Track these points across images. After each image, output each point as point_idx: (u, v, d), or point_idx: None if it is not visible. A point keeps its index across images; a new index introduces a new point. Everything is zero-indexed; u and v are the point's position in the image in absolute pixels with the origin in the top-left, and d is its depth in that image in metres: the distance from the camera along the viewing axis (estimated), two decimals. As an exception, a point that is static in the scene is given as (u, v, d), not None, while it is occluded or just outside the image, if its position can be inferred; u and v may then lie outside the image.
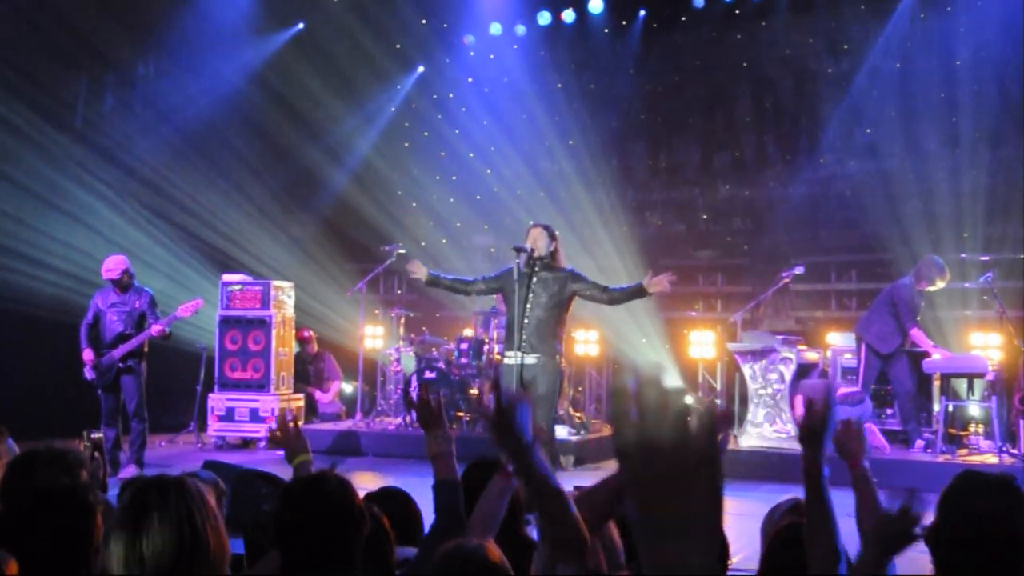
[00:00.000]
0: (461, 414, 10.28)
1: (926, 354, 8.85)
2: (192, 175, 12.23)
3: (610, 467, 3.09)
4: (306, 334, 12.02)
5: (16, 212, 10.44)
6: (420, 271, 7.19)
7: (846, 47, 12.84)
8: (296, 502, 2.51)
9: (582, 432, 10.21)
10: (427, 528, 3.20)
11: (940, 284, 9.01)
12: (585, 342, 11.73)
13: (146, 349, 8.72)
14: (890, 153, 12.42)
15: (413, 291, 14.09)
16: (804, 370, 9.66)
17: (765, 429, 9.16)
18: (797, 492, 2.91)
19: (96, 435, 5.40)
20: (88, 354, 8.39)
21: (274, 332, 10.86)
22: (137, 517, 2.30)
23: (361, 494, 3.41)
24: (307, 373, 11.99)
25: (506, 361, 6.92)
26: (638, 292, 6.92)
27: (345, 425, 10.96)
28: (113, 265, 8.48)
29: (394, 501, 3.27)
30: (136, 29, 11.41)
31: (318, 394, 11.93)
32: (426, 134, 14.61)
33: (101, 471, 3.15)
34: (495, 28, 13.89)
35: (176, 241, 11.96)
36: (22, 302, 10.04)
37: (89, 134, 11.51)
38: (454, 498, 2.97)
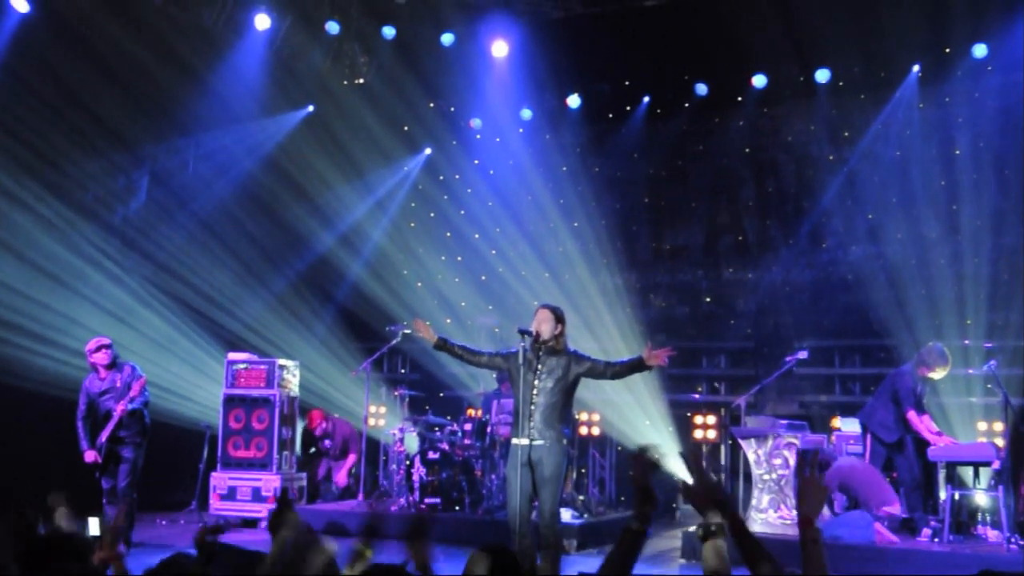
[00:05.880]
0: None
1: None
2: (202, 254, 12.36)
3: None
4: (313, 417, 11.97)
5: (29, 291, 10.54)
6: (427, 333, 7.06)
7: (847, 134, 13.05)
8: None
9: (585, 515, 10.13)
10: None
11: (941, 373, 9.03)
12: (588, 423, 11.72)
13: (147, 425, 8.71)
14: (892, 239, 12.54)
15: (417, 370, 14.11)
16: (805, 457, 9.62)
17: (770, 515, 9.09)
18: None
19: (97, 522, 5.37)
20: (90, 456, 8.42)
21: (278, 411, 10.86)
22: None
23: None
24: (324, 448, 11.95)
25: (513, 442, 6.89)
26: (638, 366, 6.88)
27: (347, 506, 10.88)
28: (95, 346, 8.55)
29: None
30: (150, 111, 11.64)
31: (337, 472, 11.85)
32: (432, 215, 14.78)
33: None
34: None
35: (184, 320, 12.02)
36: (34, 380, 10.09)
37: (103, 214, 11.68)
38: None
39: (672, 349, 6.76)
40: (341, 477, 11.89)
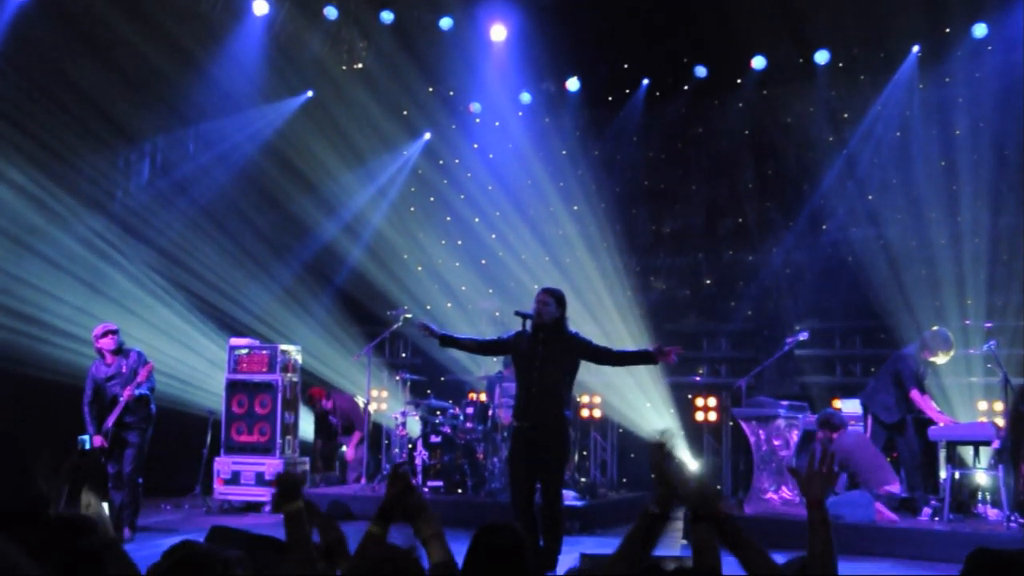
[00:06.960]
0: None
1: (932, 421, 8.87)
2: (204, 241, 12.38)
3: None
4: (314, 397, 12.04)
5: (38, 281, 10.57)
6: (430, 334, 7.10)
7: (846, 116, 13.02)
8: None
9: (587, 497, 10.18)
10: None
11: (944, 358, 9.09)
12: (589, 406, 11.75)
13: (153, 411, 8.75)
14: (892, 220, 12.53)
15: (418, 355, 14.13)
16: (809, 436, 9.66)
17: (771, 495, 9.14)
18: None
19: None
20: (97, 441, 8.47)
21: (281, 396, 10.89)
22: None
23: None
24: (333, 425, 12.00)
25: (515, 425, 6.91)
26: (645, 358, 6.94)
27: (349, 489, 10.93)
28: (101, 331, 8.60)
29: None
30: (148, 98, 11.62)
31: (347, 447, 11.92)
32: (432, 199, 14.77)
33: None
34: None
35: (186, 306, 12.05)
36: (47, 369, 10.13)
37: (104, 202, 11.68)
38: None
39: (682, 349, 6.79)
40: (350, 452, 11.96)
